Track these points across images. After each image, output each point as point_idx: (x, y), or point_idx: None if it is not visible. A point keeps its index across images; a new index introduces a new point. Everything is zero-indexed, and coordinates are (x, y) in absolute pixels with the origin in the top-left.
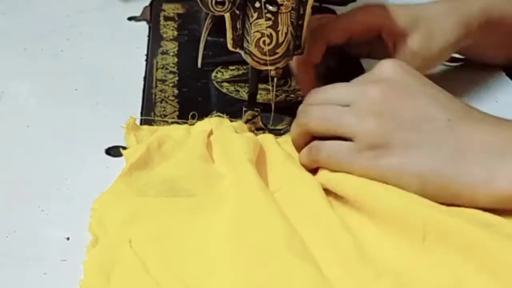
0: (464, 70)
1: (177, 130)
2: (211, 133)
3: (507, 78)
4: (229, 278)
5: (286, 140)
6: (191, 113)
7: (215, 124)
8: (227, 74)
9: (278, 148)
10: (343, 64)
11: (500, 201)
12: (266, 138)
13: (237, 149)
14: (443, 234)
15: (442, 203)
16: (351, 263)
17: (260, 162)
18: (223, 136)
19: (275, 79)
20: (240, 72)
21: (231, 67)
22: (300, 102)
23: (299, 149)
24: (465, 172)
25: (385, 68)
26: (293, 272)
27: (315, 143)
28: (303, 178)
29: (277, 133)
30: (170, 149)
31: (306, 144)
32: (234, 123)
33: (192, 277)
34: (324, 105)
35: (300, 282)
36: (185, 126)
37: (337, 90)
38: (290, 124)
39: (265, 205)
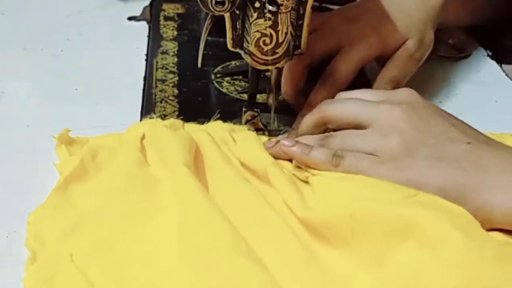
0: (464, 67)
1: (109, 139)
2: (143, 137)
3: (507, 79)
4: (178, 284)
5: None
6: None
7: (147, 127)
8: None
9: (216, 149)
10: None
11: None
12: (202, 137)
13: (172, 152)
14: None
15: None
16: (297, 264)
17: (197, 164)
18: (156, 138)
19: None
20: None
21: (231, 67)
22: None
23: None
24: (485, 187)
25: (404, 92)
26: (243, 274)
27: (339, 151)
28: (242, 181)
29: (277, 133)
30: (104, 159)
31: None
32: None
33: (139, 286)
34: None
35: (250, 283)
36: (117, 133)
37: (357, 108)
38: (290, 125)
39: (207, 209)
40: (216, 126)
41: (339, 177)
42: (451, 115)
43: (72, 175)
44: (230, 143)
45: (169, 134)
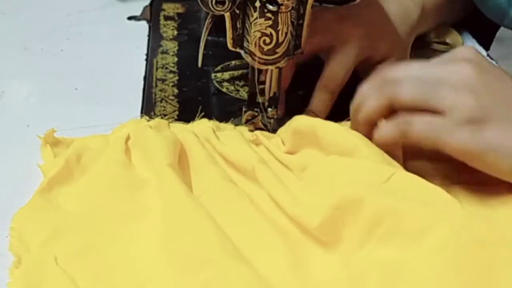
0: None
1: (95, 140)
2: (128, 138)
3: None
4: (165, 286)
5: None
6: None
7: (132, 128)
8: (227, 74)
9: (201, 149)
10: None
11: None
12: (188, 137)
13: (156, 153)
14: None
15: None
16: (283, 267)
17: (182, 165)
18: (141, 139)
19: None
20: (240, 72)
21: (231, 67)
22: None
23: (370, 125)
24: None
25: (466, 50)
26: (232, 274)
27: (403, 117)
28: (227, 182)
29: None
30: (89, 160)
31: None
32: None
33: None
34: (418, 78)
35: (240, 284)
36: (102, 135)
37: (426, 67)
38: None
39: (193, 209)
40: (201, 125)
41: (328, 165)
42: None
43: (56, 177)
44: (214, 141)
45: (154, 135)
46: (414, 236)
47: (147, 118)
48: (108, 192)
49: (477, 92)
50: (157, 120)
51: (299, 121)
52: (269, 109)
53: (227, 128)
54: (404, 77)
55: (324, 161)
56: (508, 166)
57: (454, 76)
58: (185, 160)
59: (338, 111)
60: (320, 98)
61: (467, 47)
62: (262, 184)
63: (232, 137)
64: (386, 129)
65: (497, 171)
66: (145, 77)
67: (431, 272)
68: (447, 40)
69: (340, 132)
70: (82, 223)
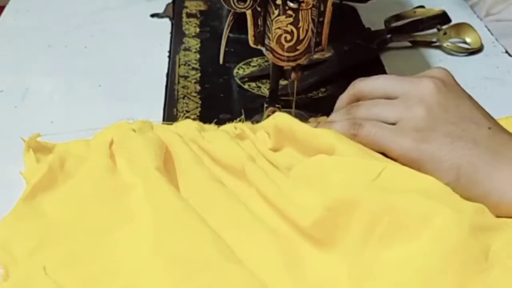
0: (482, 63)
1: (76, 145)
2: (112, 142)
3: None
4: None
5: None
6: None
7: (115, 132)
8: (248, 70)
9: (186, 150)
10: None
11: None
12: (172, 139)
13: (142, 157)
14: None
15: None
16: (277, 268)
17: (168, 167)
18: (125, 143)
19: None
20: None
21: (252, 64)
22: (321, 98)
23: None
24: (498, 174)
25: (437, 69)
26: (230, 278)
27: (358, 120)
28: (215, 183)
29: None
30: (73, 166)
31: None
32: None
33: None
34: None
35: (239, 287)
36: (84, 140)
37: (396, 79)
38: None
39: (184, 213)
40: (185, 126)
41: (317, 164)
42: (476, 102)
43: (40, 184)
44: (200, 140)
45: (138, 138)
46: (414, 229)
47: (129, 121)
48: (94, 198)
49: (430, 107)
50: (140, 122)
51: (280, 119)
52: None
53: (211, 129)
54: (372, 85)
55: (313, 159)
56: (447, 178)
57: (415, 89)
58: (171, 162)
59: None
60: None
61: (440, 68)
62: (253, 182)
63: (217, 136)
64: (340, 125)
65: (443, 182)
66: (167, 74)
67: (431, 263)
68: (466, 39)
69: (315, 133)
70: (69, 231)
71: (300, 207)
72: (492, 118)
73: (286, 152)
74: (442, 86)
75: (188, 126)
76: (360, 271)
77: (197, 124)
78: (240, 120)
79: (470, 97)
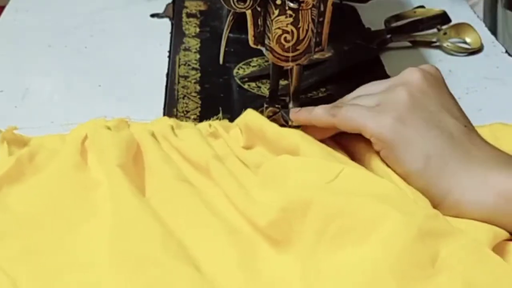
0: (482, 63)
1: (52, 140)
2: (86, 138)
3: None
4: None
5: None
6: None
7: (90, 128)
8: (248, 70)
9: (156, 149)
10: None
11: (488, 214)
12: (144, 137)
13: (108, 154)
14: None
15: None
16: (232, 264)
17: (138, 165)
18: (97, 140)
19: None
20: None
21: (252, 64)
22: (321, 98)
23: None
24: (464, 173)
25: (428, 65)
26: (172, 275)
27: (338, 103)
28: (181, 182)
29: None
30: (43, 160)
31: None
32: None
33: None
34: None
35: (180, 284)
36: (60, 135)
37: (372, 90)
38: None
39: (138, 210)
40: (160, 123)
41: (280, 164)
42: (457, 102)
43: (6, 176)
44: (172, 138)
45: (110, 135)
46: (364, 232)
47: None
48: (58, 194)
49: (412, 92)
50: (117, 119)
51: (250, 118)
52: (290, 105)
53: (188, 126)
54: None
55: (277, 159)
56: (416, 165)
57: (401, 76)
58: (141, 161)
59: None
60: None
61: (432, 65)
62: (216, 180)
63: (189, 134)
64: (318, 111)
65: (400, 169)
66: (167, 74)
67: (377, 267)
68: (466, 39)
69: (282, 133)
70: (29, 225)
71: (259, 207)
72: (469, 120)
73: (257, 151)
74: (428, 76)
75: (163, 124)
76: (311, 273)
77: (172, 121)
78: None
79: (452, 96)
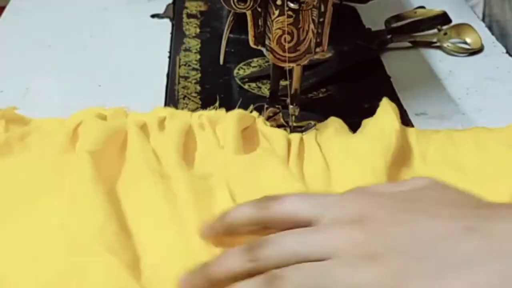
0: (482, 63)
1: (51, 123)
2: (80, 124)
3: None
4: (37, 264)
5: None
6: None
7: (87, 116)
8: (248, 71)
9: (137, 139)
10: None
11: None
12: (130, 128)
13: (84, 140)
14: None
15: None
16: (174, 257)
17: (121, 153)
18: (88, 126)
19: (295, 74)
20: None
21: (253, 64)
22: (321, 99)
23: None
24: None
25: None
26: (96, 262)
27: (275, 272)
28: (152, 173)
29: (299, 130)
30: (35, 141)
31: None
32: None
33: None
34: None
35: (95, 272)
36: (60, 118)
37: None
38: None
39: (89, 197)
40: (154, 114)
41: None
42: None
43: None
44: (154, 134)
45: (97, 122)
46: None
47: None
48: (35, 173)
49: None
50: (115, 108)
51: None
52: (290, 106)
53: (182, 116)
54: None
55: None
56: None
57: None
58: (125, 150)
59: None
60: None
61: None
62: (176, 178)
63: (173, 130)
64: (249, 285)
65: None
66: (168, 75)
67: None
68: (467, 39)
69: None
70: None
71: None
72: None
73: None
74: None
75: (155, 115)
76: None
77: (168, 111)
78: None
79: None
